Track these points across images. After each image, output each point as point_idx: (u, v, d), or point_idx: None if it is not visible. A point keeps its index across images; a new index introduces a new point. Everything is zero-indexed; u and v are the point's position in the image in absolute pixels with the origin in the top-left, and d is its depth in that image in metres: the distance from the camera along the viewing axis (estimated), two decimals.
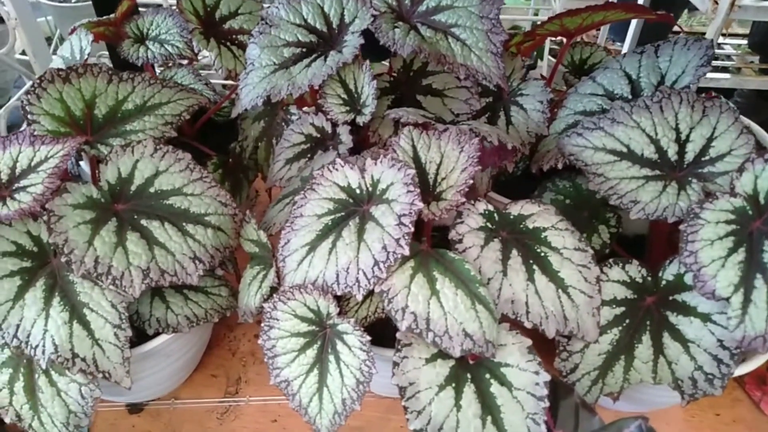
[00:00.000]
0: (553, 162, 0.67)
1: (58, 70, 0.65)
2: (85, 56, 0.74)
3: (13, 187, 0.60)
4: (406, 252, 0.51)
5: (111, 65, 0.96)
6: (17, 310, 0.58)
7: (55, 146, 0.61)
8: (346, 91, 0.74)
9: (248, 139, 0.84)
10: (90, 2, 1.88)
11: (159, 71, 0.83)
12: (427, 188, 0.58)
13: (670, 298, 0.58)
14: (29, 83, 1.46)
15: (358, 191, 0.57)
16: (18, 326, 0.57)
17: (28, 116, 0.63)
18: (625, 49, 1.86)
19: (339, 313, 0.55)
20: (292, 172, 0.76)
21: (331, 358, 0.55)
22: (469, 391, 0.52)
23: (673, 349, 0.57)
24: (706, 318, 0.55)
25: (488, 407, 0.51)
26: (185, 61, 0.83)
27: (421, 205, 0.52)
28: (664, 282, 0.59)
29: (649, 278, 0.59)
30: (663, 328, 0.57)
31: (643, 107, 0.59)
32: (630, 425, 0.46)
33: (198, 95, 0.73)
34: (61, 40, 2.00)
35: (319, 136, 0.75)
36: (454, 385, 0.52)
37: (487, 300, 0.51)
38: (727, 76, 1.68)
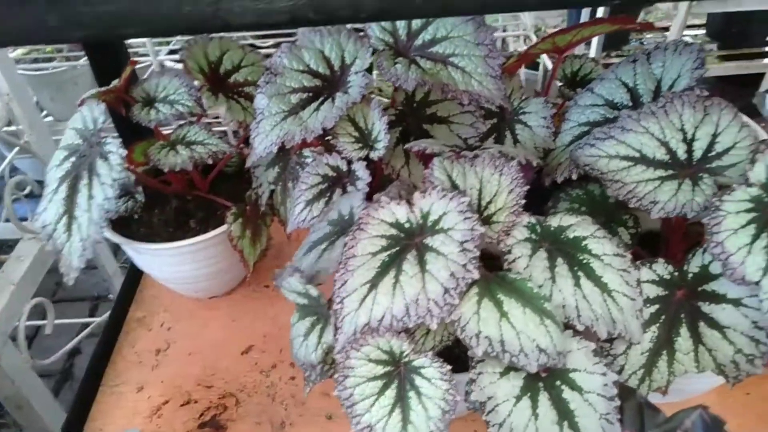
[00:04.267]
0: (567, 173, 0.70)
1: None
2: (100, 126, 0.75)
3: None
4: (476, 275, 0.54)
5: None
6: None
7: None
8: (357, 129, 0.77)
9: (263, 185, 0.86)
10: (66, 68, 1.90)
11: (171, 130, 0.85)
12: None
13: (699, 289, 0.61)
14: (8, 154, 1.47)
15: (407, 225, 0.59)
16: None
17: None
18: (592, 53, 1.93)
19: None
20: (314, 213, 0.78)
21: (412, 394, 0.56)
22: (543, 399, 0.54)
23: (710, 337, 0.59)
24: (737, 303, 0.59)
25: (563, 413, 0.54)
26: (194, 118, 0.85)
27: (482, 229, 0.55)
28: (690, 275, 0.62)
29: (676, 273, 0.62)
30: (698, 319, 0.60)
31: (650, 113, 0.62)
32: (691, 414, 0.49)
33: None
34: (38, 106, 2.01)
35: (335, 174, 0.78)
36: (529, 395, 0.55)
37: (553, 314, 0.54)
38: None
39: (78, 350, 1.92)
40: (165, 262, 0.88)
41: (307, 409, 0.84)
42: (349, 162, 0.77)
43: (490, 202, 0.60)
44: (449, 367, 0.54)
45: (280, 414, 0.84)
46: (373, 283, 0.58)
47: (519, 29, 1.81)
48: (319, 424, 0.82)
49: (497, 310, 0.54)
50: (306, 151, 0.82)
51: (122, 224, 0.89)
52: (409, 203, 0.60)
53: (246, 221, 0.85)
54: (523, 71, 1.49)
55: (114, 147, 0.74)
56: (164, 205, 0.91)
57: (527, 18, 1.61)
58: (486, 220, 0.60)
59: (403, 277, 0.57)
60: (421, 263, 0.57)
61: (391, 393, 0.57)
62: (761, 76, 2.02)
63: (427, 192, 0.59)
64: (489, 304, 0.55)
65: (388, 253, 0.59)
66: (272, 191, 0.87)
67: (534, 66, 2.12)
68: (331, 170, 0.78)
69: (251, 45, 1.90)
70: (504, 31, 1.90)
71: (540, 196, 0.79)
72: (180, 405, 0.85)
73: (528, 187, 0.58)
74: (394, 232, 0.60)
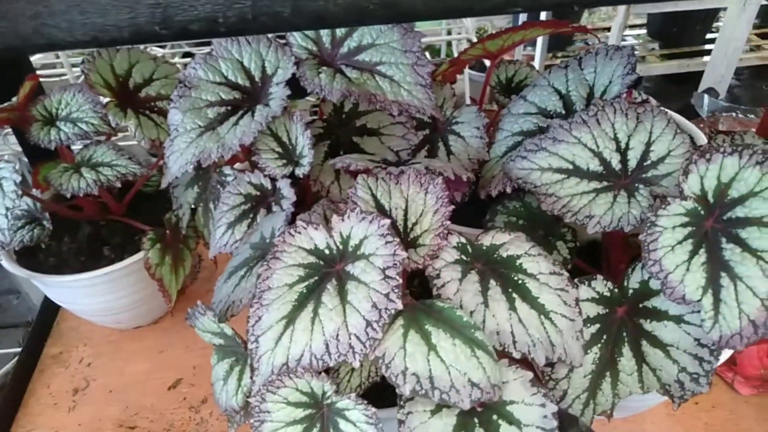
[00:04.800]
0: (500, 187, 0.66)
1: None
2: None
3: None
4: (400, 306, 0.49)
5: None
6: None
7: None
8: (280, 144, 0.72)
9: (183, 206, 0.80)
10: None
11: (77, 150, 0.77)
12: (399, 236, 0.56)
13: (640, 305, 0.58)
14: None
15: (327, 251, 0.54)
16: None
17: None
18: (537, 55, 1.92)
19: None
20: (236, 236, 0.72)
21: None
22: None
23: (654, 356, 0.56)
24: (679, 320, 0.56)
25: None
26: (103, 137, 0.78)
27: (404, 254, 0.50)
28: (630, 291, 0.59)
29: (616, 290, 0.59)
30: (640, 337, 0.57)
31: (581, 122, 0.59)
32: None
33: None
34: None
35: (258, 194, 0.72)
36: None
37: (485, 344, 0.50)
38: None
39: None
40: (77, 294, 0.80)
41: None
42: (274, 180, 0.72)
43: (416, 223, 0.56)
44: (374, 409, 0.49)
45: None
46: (290, 319, 0.52)
47: (463, 32, 1.78)
48: None
49: (425, 343, 0.50)
50: (227, 169, 0.77)
51: (28, 254, 0.81)
52: (328, 227, 0.55)
53: (165, 246, 0.79)
54: (467, 74, 1.46)
55: (7, 172, 0.67)
56: (75, 231, 0.84)
57: (467, 20, 1.58)
58: (412, 243, 0.56)
59: (323, 310, 0.51)
60: (342, 294, 0.52)
61: None
62: (702, 73, 2.05)
63: (346, 215, 0.54)
64: (416, 337, 0.50)
65: (306, 283, 0.54)
66: (194, 212, 0.80)
67: (482, 68, 2.10)
68: (254, 189, 0.72)
69: (187, 53, 1.82)
70: (449, 33, 1.87)
71: (479, 209, 0.76)
72: None
73: (453, 207, 0.54)
74: (312, 259, 0.55)
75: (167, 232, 0.80)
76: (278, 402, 0.51)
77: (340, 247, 0.54)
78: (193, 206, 0.79)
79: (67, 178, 0.72)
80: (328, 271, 0.54)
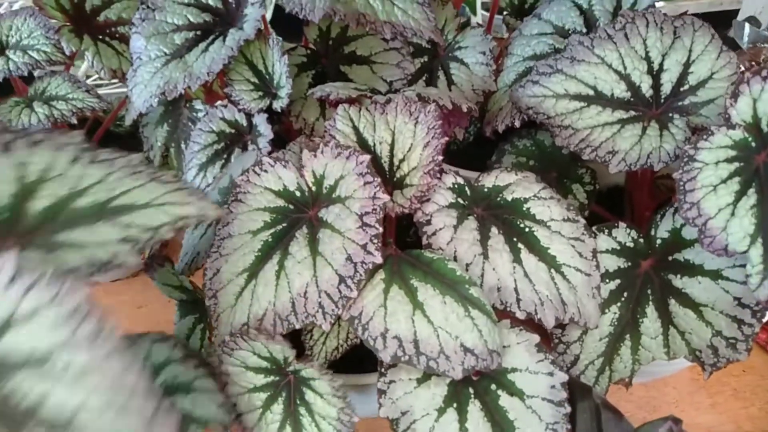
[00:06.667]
0: (508, 120, 0.57)
1: None
2: None
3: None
4: (378, 260, 0.41)
5: None
6: None
7: None
8: (256, 74, 0.63)
9: (154, 147, 0.71)
10: None
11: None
12: (384, 176, 0.47)
13: (670, 258, 0.49)
14: None
15: (298, 194, 0.46)
16: None
17: None
18: None
19: (300, 355, 0.44)
20: (209, 179, 0.64)
21: (303, 410, 0.44)
22: (474, 409, 0.43)
23: (683, 317, 0.48)
24: (716, 275, 0.47)
25: (499, 425, 0.42)
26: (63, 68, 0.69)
27: (386, 197, 0.42)
28: (658, 241, 0.50)
29: (641, 239, 0.50)
30: (668, 295, 0.49)
31: (605, 38, 0.49)
32: (658, 429, 0.38)
33: None
34: None
35: (233, 131, 0.64)
36: (455, 405, 0.43)
37: (482, 302, 0.42)
38: (662, 3, 1.65)
39: None
40: None
41: None
42: (249, 115, 0.63)
43: (403, 160, 0.47)
44: (340, 381, 0.42)
45: None
46: (253, 272, 0.45)
47: None
48: None
49: (409, 301, 0.42)
50: (197, 104, 0.68)
51: None
52: (298, 165, 0.46)
53: None
54: None
55: None
56: None
57: None
58: (398, 184, 0.47)
59: (289, 262, 0.43)
60: (312, 244, 0.44)
61: (278, 408, 0.44)
62: (736, 13, 1.89)
63: (319, 150, 0.45)
64: (399, 293, 0.42)
65: (273, 231, 0.45)
66: (167, 154, 0.72)
67: None
68: (228, 126, 0.64)
69: None
70: None
71: (487, 154, 0.67)
72: None
73: (446, 139, 0.45)
74: (281, 203, 0.46)
75: None
76: (236, 365, 0.44)
77: (313, 188, 0.46)
78: (164, 147, 0.71)
79: (17, 114, 0.64)
80: (299, 216, 0.46)
